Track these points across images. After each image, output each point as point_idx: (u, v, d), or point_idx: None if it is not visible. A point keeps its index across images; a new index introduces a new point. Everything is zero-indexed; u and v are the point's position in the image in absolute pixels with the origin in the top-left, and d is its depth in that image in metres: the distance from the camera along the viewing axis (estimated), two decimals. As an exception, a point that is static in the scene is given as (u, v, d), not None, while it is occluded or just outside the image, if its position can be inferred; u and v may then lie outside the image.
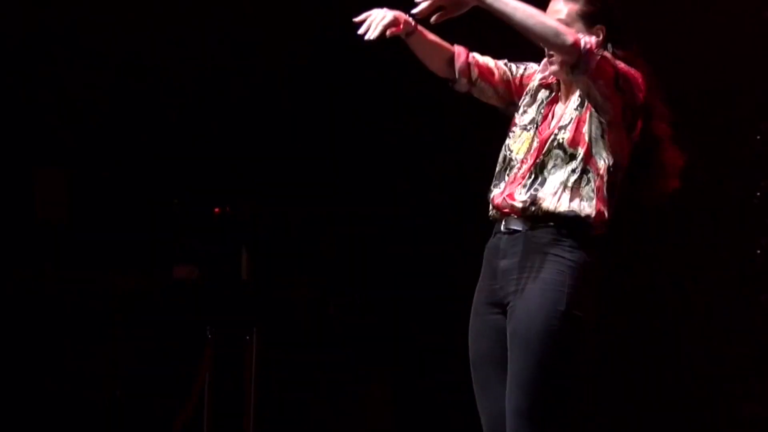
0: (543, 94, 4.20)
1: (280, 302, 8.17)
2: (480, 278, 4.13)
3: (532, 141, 4.08)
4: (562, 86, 4.12)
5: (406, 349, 8.57)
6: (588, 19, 4.08)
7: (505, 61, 4.38)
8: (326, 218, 8.64)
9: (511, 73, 4.32)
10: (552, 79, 4.17)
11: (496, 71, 4.31)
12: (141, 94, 8.43)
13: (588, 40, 3.89)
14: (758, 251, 7.44)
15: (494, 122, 5.17)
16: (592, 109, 3.93)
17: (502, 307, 3.98)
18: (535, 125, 4.10)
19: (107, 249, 8.12)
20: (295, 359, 8.13)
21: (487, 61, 4.35)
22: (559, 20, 4.07)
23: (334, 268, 8.70)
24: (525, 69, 4.34)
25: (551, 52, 3.99)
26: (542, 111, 4.12)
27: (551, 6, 4.19)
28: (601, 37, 4.04)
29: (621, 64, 3.96)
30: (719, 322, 7.46)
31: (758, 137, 7.19)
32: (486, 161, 5.08)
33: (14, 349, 7.74)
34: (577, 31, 4.02)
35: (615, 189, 4.03)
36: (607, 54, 3.97)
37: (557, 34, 3.84)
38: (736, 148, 7.45)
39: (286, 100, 8.61)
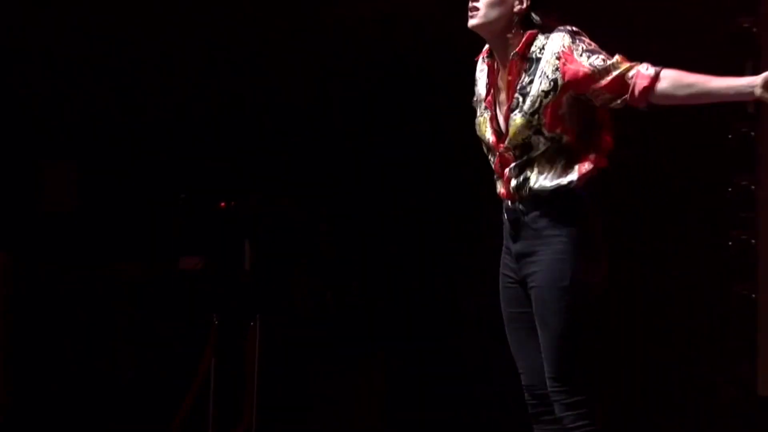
0: (480, 69, 4.28)
1: (281, 291, 8.34)
2: (503, 251, 4.33)
3: (494, 121, 4.18)
4: (496, 55, 4.19)
5: (400, 337, 8.67)
6: None
7: None
8: (324, 212, 8.73)
9: None
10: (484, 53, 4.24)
11: None
12: (154, 93, 8.52)
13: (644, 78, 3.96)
14: (730, 243, 7.77)
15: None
16: (570, 95, 4.03)
17: (523, 284, 4.20)
18: (485, 105, 4.22)
19: (119, 240, 8.35)
20: (295, 344, 8.34)
21: None
22: None
23: (333, 259, 8.82)
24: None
25: None
26: (485, 87, 4.23)
27: None
28: (525, 6, 4.16)
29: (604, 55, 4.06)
30: (696, 311, 7.72)
31: (730, 136, 7.46)
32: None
33: (31, 336, 7.92)
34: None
35: (593, 146, 4.14)
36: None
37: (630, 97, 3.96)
38: (711, 146, 7.69)
39: (289, 100, 8.66)
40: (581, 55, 4.02)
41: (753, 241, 7.84)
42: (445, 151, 8.76)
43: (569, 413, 4.14)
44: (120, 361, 8.15)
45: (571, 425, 4.14)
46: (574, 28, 4.16)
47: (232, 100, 8.65)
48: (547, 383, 4.16)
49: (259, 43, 8.47)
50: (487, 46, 4.28)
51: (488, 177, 4.55)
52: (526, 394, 4.33)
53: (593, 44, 4.10)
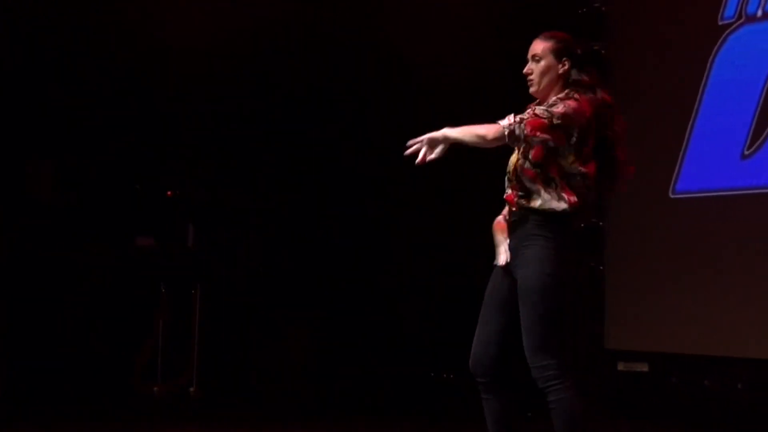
0: None
1: (219, 263, 9.05)
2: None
3: (515, 157, 4.70)
4: None
5: (323, 303, 9.36)
6: (557, 53, 4.72)
7: None
8: (257, 195, 9.42)
9: None
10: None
11: None
12: (115, 101, 9.03)
13: (506, 123, 4.47)
14: (582, 225, 8.55)
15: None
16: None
17: (510, 272, 4.67)
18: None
19: (85, 223, 8.83)
20: (231, 309, 9.03)
21: None
22: (534, 56, 4.71)
23: (265, 235, 9.49)
24: None
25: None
26: None
27: (532, 47, 4.81)
28: (567, 67, 4.65)
29: (557, 108, 4.53)
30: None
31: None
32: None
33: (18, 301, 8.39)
34: (548, 64, 4.66)
35: (576, 184, 4.56)
36: (532, 112, 4.52)
37: (484, 137, 4.48)
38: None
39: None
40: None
41: (601, 223, 8.78)
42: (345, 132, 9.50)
43: (544, 374, 4.54)
44: (86, 320, 8.63)
45: (543, 384, 4.55)
46: (577, 95, 4.61)
47: (181, 108, 9.20)
48: (527, 352, 4.54)
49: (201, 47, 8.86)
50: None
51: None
52: (471, 365, 4.74)
53: (559, 105, 4.57)
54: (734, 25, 8.30)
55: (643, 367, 8.63)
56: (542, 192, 4.58)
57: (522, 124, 4.47)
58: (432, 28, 9.21)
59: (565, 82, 4.71)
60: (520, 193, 4.63)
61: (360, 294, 9.57)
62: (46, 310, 8.54)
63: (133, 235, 8.94)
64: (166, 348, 8.73)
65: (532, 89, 4.74)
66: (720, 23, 8.35)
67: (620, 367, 8.73)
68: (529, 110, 4.58)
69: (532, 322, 4.54)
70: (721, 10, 8.37)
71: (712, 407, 8.20)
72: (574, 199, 4.54)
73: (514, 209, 4.69)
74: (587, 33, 8.64)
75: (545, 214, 4.57)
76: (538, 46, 4.75)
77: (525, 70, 4.76)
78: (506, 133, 4.46)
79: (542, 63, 4.71)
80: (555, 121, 4.49)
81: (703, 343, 8.32)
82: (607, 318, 8.80)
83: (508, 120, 4.50)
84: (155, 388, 8.60)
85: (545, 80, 4.70)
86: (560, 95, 4.65)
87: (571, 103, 4.57)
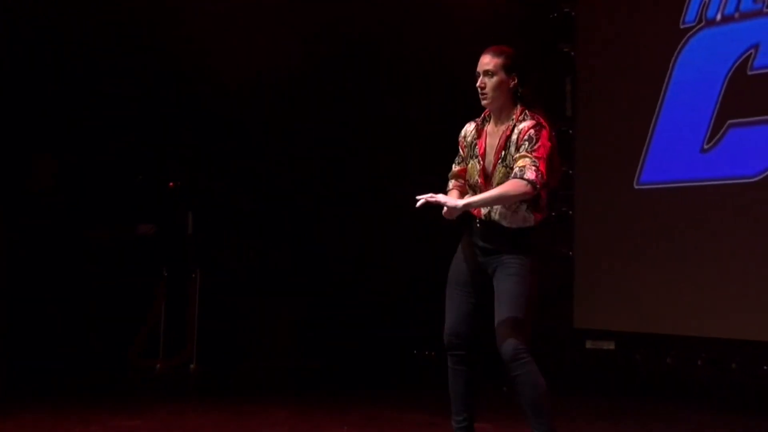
0: (472, 137, 4.95)
1: (216, 250, 9.08)
2: (465, 239, 4.96)
3: (481, 166, 4.85)
4: (493, 120, 4.87)
5: (312, 281, 9.42)
6: (507, 69, 4.84)
7: (458, 165, 5.07)
8: (251, 189, 9.45)
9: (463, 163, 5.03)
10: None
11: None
12: (119, 102, 9.04)
13: (534, 178, 4.61)
14: (554, 213, 8.56)
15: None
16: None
17: (481, 267, 4.86)
18: (477, 157, 4.89)
19: (91, 211, 8.83)
20: (227, 291, 9.02)
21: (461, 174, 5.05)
22: (487, 71, 4.80)
23: (258, 224, 9.50)
24: (460, 157, 5.03)
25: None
26: (476, 146, 4.92)
27: (484, 62, 4.88)
28: (515, 83, 4.79)
29: (541, 151, 4.68)
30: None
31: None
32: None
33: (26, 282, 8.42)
34: (500, 79, 4.77)
35: (542, 200, 4.80)
36: (538, 163, 4.64)
37: (524, 194, 4.63)
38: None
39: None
40: (523, 141, 4.75)
41: (570, 212, 8.90)
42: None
43: (517, 347, 4.72)
44: (91, 302, 8.65)
45: (514, 358, 4.72)
46: (542, 121, 4.79)
47: (181, 108, 9.25)
48: (502, 330, 4.72)
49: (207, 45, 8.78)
50: (482, 115, 4.94)
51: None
52: (449, 338, 4.91)
53: (541, 139, 4.72)
54: (695, 29, 8.36)
55: (610, 345, 8.74)
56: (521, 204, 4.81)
57: (539, 174, 4.66)
58: (408, 32, 9.22)
59: (513, 95, 4.87)
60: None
61: (349, 278, 9.58)
62: (53, 290, 8.54)
63: (136, 222, 8.91)
64: (168, 328, 8.74)
65: (484, 102, 4.89)
66: (681, 27, 8.43)
67: (588, 345, 8.84)
68: (526, 160, 4.69)
69: (511, 305, 4.76)
70: (683, 14, 8.41)
71: (673, 382, 8.27)
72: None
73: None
74: (558, 35, 8.90)
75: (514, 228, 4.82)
76: (491, 62, 4.87)
77: (478, 84, 4.87)
78: (539, 187, 4.66)
79: (495, 78, 4.84)
80: (548, 160, 4.74)
81: (665, 323, 8.41)
82: (576, 300, 8.83)
83: (532, 175, 4.65)
84: (157, 365, 8.63)
85: (497, 94, 4.84)
86: (527, 124, 4.77)
87: (544, 134, 4.75)
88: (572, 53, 8.98)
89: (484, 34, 7.67)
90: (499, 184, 4.80)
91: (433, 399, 7.46)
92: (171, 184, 8.98)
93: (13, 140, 8.81)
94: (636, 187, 8.66)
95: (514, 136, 4.78)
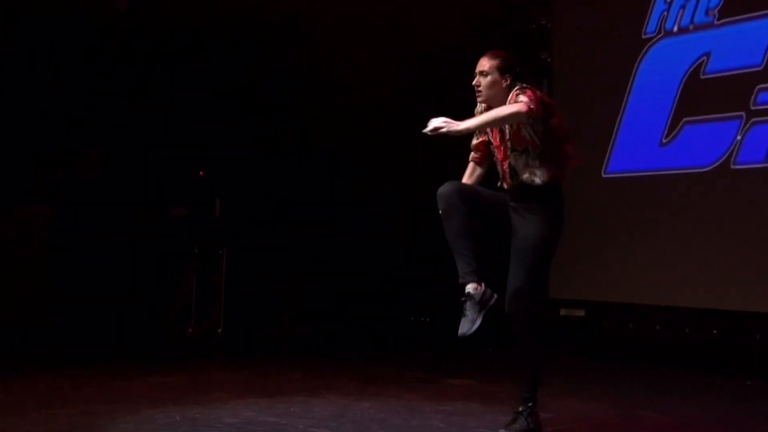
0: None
1: (240, 231, 9.28)
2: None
3: (500, 147, 4.94)
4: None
5: (326, 257, 9.66)
6: (501, 70, 4.94)
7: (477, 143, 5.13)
8: (273, 177, 9.72)
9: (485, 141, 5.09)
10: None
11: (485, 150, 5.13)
12: (154, 99, 9.43)
13: (528, 100, 4.64)
14: None
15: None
16: (526, 122, 4.76)
17: (506, 211, 4.96)
18: (494, 145, 5.02)
19: (132, 199, 9.25)
20: (249, 268, 9.24)
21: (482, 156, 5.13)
22: (482, 71, 4.87)
23: (277, 206, 9.63)
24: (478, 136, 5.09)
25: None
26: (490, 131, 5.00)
27: (481, 63, 4.97)
28: (509, 81, 4.86)
29: (534, 92, 4.74)
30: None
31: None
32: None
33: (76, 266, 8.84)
34: (494, 79, 4.84)
35: (555, 156, 4.85)
36: (529, 92, 4.69)
37: (518, 111, 4.63)
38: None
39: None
40: (516, 97, 4.81)
41: None
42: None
43: (519, 309, 4.86)
44: (131, 276, 9.05)
45: (525, 314, 4.86)
46: (524, 85, 4.85)
47: (221, 104, 9.62)
48: (515, 287, 4.81)
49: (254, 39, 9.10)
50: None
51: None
52: (450, 194, 4.86)
53: (527, 90, 4.76)
54: (655, 39, 8.68)
55: (581, 313, 9.04)
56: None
57: (532, 100, 4.69)
58: (392, 41, 9.49)
59: (506, 93, 4.97)
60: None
61: (357, 255, 9.83)
62: (97, 266, 8.92)
63: (170, 206, 9.35)
64: (199, 298, 9.10)
65: (479, 99, 5.02)
66: (643, 37, 8.76)
67: (562, 312, 9.10)
68: (510, 97, 4.79)
69: (526, 270, 4.91)
70: (644, 26, 8.73)
71: (636, 346, 8.59)
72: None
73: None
74: (536, 44, 9.27)
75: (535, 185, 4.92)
76: (486, 63, 4.99)
77: (474, 83, 5.00)
78: (533, 110, 4.70)
79: (489, 78, 4.95)
80: (541, 99, 4.81)
81: (629, 293, 8.68)
82: (552, 272, 8.51)
83: (525, 98, 4.70)
84: (189, 330, 9.06)
85: (490, 92, 4.97)
86: (514, 92, 4.86)
87: (528, 91, 4.83)
88: (548, 59, 9.30)
89: (468, 43, 8.13)
90: (511, 159, 4.92)
91: (429, 358, 8.46)
92: (201, 173, 9.38)
93: (64, 134, 9.12)
94: (603, 176, 8.93)
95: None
